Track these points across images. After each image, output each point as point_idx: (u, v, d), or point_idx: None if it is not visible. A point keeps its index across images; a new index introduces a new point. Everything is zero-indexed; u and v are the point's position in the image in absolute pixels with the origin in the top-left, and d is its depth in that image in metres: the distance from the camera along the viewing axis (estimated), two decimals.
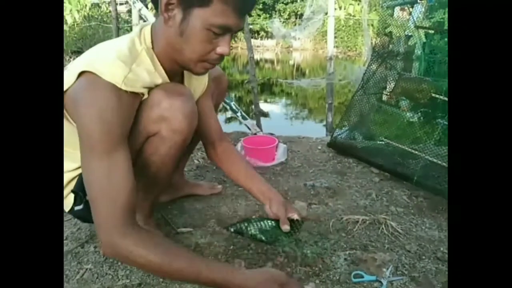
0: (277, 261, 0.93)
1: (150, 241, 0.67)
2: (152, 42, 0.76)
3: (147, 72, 0.74)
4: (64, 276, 0.88)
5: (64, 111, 0.75)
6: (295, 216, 0.88)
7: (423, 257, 0.96)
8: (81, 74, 0.68)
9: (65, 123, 0.75)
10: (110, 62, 0.68)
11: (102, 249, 0.68)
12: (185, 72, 0.89)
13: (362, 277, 0.87)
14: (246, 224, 0.91)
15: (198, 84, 0.97)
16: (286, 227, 0.85)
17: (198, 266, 0.66)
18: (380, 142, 1.70)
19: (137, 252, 0.64)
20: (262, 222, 0.90)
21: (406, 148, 1.54)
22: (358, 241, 1.03)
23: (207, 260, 0.83)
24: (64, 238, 1.03)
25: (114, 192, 0.66)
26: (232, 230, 0.92)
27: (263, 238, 0.87)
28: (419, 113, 1.69)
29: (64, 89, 0.70)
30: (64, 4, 6.23)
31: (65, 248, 0.98)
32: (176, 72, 0.83)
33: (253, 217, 0.87)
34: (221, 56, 0.75)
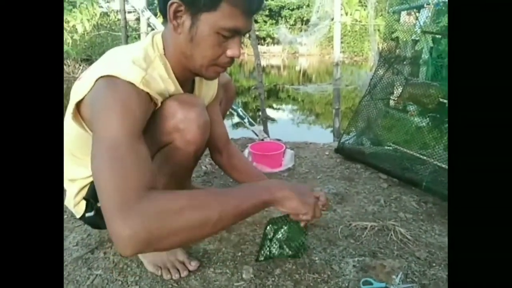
0: (285, 267, 0.93)
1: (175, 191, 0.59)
2: (164, 49, 0.77)
3: (161, 78, 0.74)
4: (75, 282, 0.89)
5: (80, 118, 0.75)
6: None
7: (433, 264, 0.95)
8: (97, 81, 0.67)
9: (81, 130, 0.76)
10: (127, 66, 0.68)
11: (123, 232, 0.49)
12: (196, 79, 0.90)
13: (371, 284, 0.86)
14: (268, 246, 0.90)
15: (208, 91, 0.98)
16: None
17: (232, 190, 0.62)
18: (388, 148, 1.70)
19: (167, 198, 0.54)
20: (278, 234, 0.89)
21: (415, 154, 1.53)
22: (367, 247, 1.02)
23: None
24: (75, 244, 1.05)
25: (134, 170, 0.56)
26: (262, 259, 0.91)
27: (290, 252, 0.92)
28: (427, 118, 1.68)
29: (81, 97, 0.71)
30: (75, 14, 6.35)
31: (75, 254, 1.00)
32: (187, 79, 0.84)
33: (268, 227, 0.88)
34: (232, 59, 0.75)
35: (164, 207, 0.52)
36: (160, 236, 0.50)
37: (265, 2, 0.76)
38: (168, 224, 0.51)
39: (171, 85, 0.78)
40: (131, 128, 0.61)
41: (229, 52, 0.73)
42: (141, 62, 0.70)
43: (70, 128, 0.78)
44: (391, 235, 1.07)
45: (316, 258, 0.97)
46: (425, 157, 1.47)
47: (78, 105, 0.73)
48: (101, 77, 0.67)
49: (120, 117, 0.61)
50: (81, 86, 0.72)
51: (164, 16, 0.72)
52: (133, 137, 0.61)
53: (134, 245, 0.50)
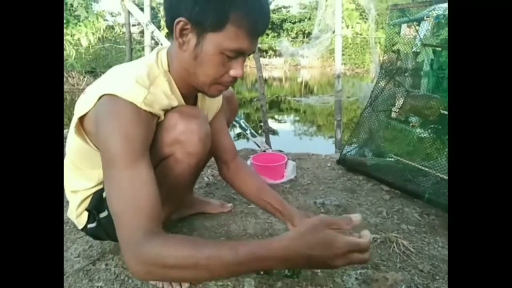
0: (287, 280, 0.92)
1: (179, 239, 0.64)
2: (168, 65, 0.78)
3: (164, 95, 0.75)
4: None
5: (83, 132, 0.77)
6: None
7: (437, 277, 0.94)
8: (101, 97, 0.69)
9: (83, 144, 0.78)
10: (130, 85, 0.69)
11: (132, 269, 0.60)
12: (199, 94, 0.91)
13: None
14: None
15: (212, 104, 0.99)
16: None
17: (232, 246, 0.58)
18: (390, 159, 1.70)
19: (167, 251, 0.58)
20: None
21: (417, 165, 1.53)
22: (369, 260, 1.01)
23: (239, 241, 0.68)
24: (76, 255, 1.05)
25: (138, 202, 0.62)
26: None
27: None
28: (429, 130, 1.69)
29: (84, 112, 0.72)
30: (80, 27, 6.48)
31: (77, 266, 0.99)
32: (191, 94, 0.85)
33: None
34: (235, 78, 0.76)
35: (159, 260, 0.58)
36: (160, 277, 0.64)
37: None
38: (162, 274, 0.61)
39: (175, 101, 0.79)
40: (134, 153, 0.65)
41: (232, 72, 0.74)
42: (144, 80, 0.72)
43: (73, 141, 0.79)
44: (394, 247, 1.06)
45: (318, 271, 0.96)
46: (427, 169, 1.47)
47: (81, 119, 0.75)
48: (104, 94, 0.68)
49: (124, 141, 0.65)
50: (84, 100, 0.73)
51: (171, 32, 0.73)
52: (135, 162, 0.65)
53: (140, 278, 0.63)
